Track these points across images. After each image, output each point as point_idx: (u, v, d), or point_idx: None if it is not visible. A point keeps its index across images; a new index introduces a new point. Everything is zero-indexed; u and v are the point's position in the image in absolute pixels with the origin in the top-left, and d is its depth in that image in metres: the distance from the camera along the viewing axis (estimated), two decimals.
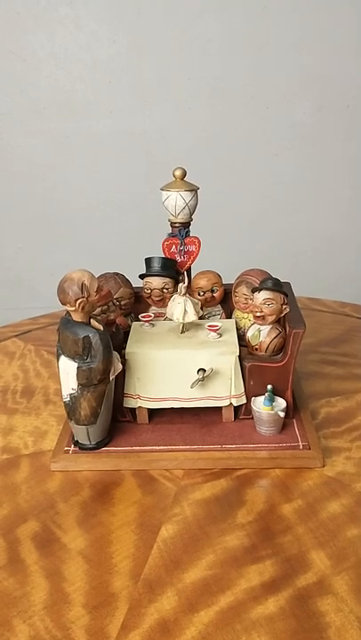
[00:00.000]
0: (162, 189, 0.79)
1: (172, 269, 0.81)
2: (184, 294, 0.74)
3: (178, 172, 0.79)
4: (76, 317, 0.67)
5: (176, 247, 0.82)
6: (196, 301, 0.76)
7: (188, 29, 1.90)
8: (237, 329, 0.78)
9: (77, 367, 0.66)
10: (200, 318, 0.79)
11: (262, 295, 0.73)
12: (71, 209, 2.06)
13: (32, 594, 0.54)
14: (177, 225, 0.81)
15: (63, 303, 0.65)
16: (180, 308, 0.74)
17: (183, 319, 0.74)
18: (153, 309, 0.82)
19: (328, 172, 2.01)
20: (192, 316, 0.74)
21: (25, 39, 1.93)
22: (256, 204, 2.03)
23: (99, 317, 0.70)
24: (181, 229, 0.81)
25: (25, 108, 1.98)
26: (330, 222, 2.04)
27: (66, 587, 0.55)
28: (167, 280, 0.80)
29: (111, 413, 0.72)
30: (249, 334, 0.76)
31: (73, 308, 0.65)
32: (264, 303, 0.73)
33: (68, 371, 0.67)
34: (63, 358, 0.68)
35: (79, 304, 0.65)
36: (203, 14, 1.88)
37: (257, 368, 0.73)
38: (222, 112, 1.97)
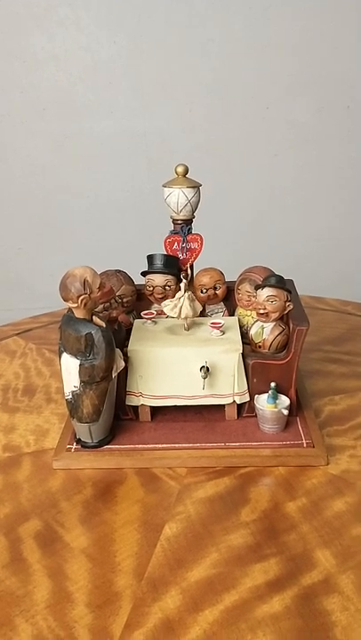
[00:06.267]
0: (164, 186, 0.79)
1: (175, 267, 0.81)
2: (185, 291, 0.73)
3: (180, 169, 0.78)
4: (79, 314, 0.66)
5: (178, 244, 0.81)
6: (193, 298, 0.75)
7: (188, 30, 1.89)
8: (240, 326, 0.77)
9: (80, 364, 0.66)
10: (202, 315, 0.78)
11: (265, 292, 0.73)
12: (72, 209, 2.06)
13: (35, 593, 0.54)
14: (179, 222, 0.80)
15: (65, 300, 0.65)
16: (177, 305, 0.73)
17: (179, 316, 0.74)
18: (155, 307, 0.82)
19: (328, 171, 2.00)
20: (186, 313, 0.73)
21: (25, 40, 1.92)
22: (257, 202, 2.02)
23: (101, 315, 0.69)
24: (183, 226, 0.80)
25: (25, 108, 1.97)
26: (330, 221, 2.03)
27: (69, 585, 0.54)
28: (169, 277, 0.79)
29: (114, 411, 0.72)
30: (252, 332, 0.76)
31: (75, 305, 0.65)
32: (267, 300, 0.73)
33: (70, 368, 0.67)
34: (65, 356, 0.67)
35: (81, 301, 0.64)
36: (203, 15, 1.87)
37: (260, 365, 0.72)
38: (223, 112, 1.96)
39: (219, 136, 1.97)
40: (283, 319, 0.75)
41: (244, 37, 1.89)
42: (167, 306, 0.74)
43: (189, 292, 0.74)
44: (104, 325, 0.66)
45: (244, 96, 1.95)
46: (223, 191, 1.86)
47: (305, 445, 0.70)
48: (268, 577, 0.54)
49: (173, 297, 0.76)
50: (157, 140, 2.00)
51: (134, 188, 2.01)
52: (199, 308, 0.75)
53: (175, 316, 0.74)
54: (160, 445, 0.71)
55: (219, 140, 1.98)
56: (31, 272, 2.15)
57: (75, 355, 0.66)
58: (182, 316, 0.74)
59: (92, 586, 0.54)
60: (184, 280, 0.74)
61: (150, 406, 0.74)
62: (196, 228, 0.82)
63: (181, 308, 0.73)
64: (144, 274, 0.81)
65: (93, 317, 0.67)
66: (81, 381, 0.66)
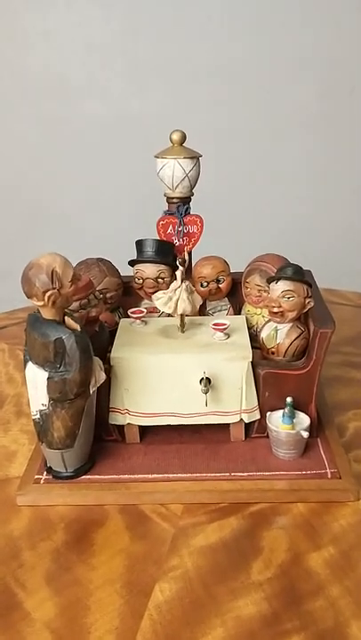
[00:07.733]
0: (156, 157, 0.67)
1: (169, 255, 0.70)
2: (182, 281, 0.61)
3: (176, 136, 0.67)
4: (47, 314, 0.53)
5: (174, 228, 0.70)
6: (192, 290, 0.63)
7: (185, 8, 1.84)
8: (249, 328, 0.67)
9: (48, 377, 0.53)
10: (202, 314, 0.68)
11: (280, 286, 0.61)
12: (60, 192, 1.99)
13: None
14: (175, 201, 0.70)
15: (29, 296, 0.53)
16: (173, 298, 0.61)
17: (174, 312, 0.62)
18: (145, 303, 0.71)
19: (332, 157, 1.96)
20: (184, 308, 0.61)
21: (15, 20, 1.87)
22: (260, 189, 1.95)
23: (76, 314, 0.57)
24: (180, 206, 0.70)
25: (15, 91, 1.93)
26: (335, 208, 1.98)
27: None
28: (162, 268, 0.69)
29: (93, 433, 0.59)
30: (263, 335, 0.64)
31: (41, 303, 0.52)
32: (283, 296, 0.61)
33: (36, 382, 0.54)
34: (31, 365, 0.55)
35: (49, 297, 0.51)
36: None
37: (274, 376, 0.61)
38: (222, 96, 1.91)
39: (218, 120, 1.92)
40: (301, 319, 0.64)
41: (244, 18, 1.84)
42: (160, 299, 0.63)
43: (187, 283, 0.63)
44: (79, 329, 0.54)
45: (245, 79, 1.89)
46: (223, 176, 1.79)
47: (329, 476, 0.57)
48: None
49: (167, 289, 0.63)
50: (154, 123, 1.92)
51: (127, 170, 1.94)
52: (199, 301, 0.64)
53: (170, 311, 0.63)
54: (150, 476, 0.58)
55: (218, 125, 1.91)
56: (20, 261, 2.06)
57: (42, 365, 0.53)
58: (179, 311, 0.63)
59: None
60: (180, 267, 0.62)
61: (139, 425, 0.62)
62: (195, 208, 0.71)
63: (178, 301, 0.62)
64: (132, 263, 0.70)
65: (65, 318, 0.54)
66: (50, 399, 0.54)
